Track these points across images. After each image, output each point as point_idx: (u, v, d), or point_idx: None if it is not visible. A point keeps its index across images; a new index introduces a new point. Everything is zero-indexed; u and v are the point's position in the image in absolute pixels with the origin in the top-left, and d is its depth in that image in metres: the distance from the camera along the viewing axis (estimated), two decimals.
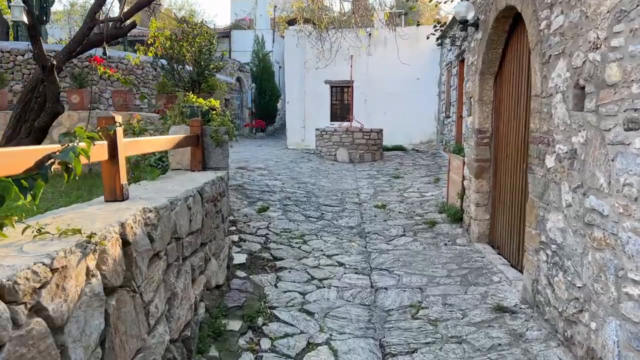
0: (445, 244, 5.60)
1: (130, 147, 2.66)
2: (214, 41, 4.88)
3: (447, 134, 13.28)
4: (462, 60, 11.37)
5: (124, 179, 2.51)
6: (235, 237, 5.40)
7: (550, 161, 3.41)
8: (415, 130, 15.08)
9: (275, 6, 25.54)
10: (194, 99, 4.21)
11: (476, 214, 5.60)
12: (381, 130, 12.61)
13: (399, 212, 6.98)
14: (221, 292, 3.69)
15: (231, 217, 6.13)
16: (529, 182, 3.85)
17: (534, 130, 3.72)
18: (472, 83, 5.88)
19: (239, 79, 22.78)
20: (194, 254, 3.01)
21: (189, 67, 5.34)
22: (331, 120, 15.44)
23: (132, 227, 2.06)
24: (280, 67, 25.68)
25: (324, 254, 5.19)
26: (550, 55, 3.44)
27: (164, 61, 5.03)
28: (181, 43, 4.65)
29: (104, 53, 6.09)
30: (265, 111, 24.23)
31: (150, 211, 2.30)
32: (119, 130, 2.46)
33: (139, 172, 3.62)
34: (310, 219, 6.59)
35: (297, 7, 15.09)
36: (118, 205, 2.37)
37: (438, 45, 11.33)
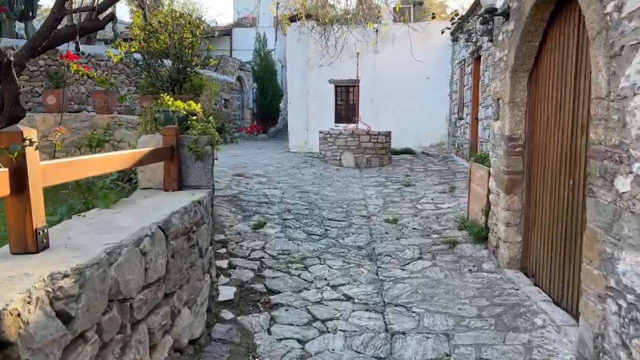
0: (470, 270, 4.82)
1: (53, 173, 1.89)
2: (197, 32, 4.14)
3: (459, 136, 12.47)
4: (478, 58, 10.57)
5: (39, 221, 1.74)
6: (224, 263, 4.64)
7: (623, 184, 2.63)
8: (426, 133, 14.29)
9: (278, 3, 24.77)
10: (169, 102, 3.46)
11: (506, 235, 4.81)
12: (389, 133, 11.83)
13: (413, 229, 6.19)
14: (197, 347, 2.92)
15: (221, 237, 5.37)
16: (587, 207, 3.06)
17: (596, 142, 2.93)
18: (500, 82, 5.09)
19: (239, 79, 22.04)
20: (152, 312, 2.25)
21: (169, 63, 4.59)
22: (336, 122, 14.68)
23: (19, 315, 1.29)
24: (283, 66, 24.91)
25: (328, 284, 4.41)
26: (623, 46, 2.66)
27: (138, 56, 4.30)
28: (157, 34, 3.91)
29: (77, 48, 5.34)
30: (267, 112, 23.49)
31: (67, 276, 1.54)
32: (30, 152, 1.69)
33: (93, 197, 2.86)
34: (312, 236, 5.82)
35: (301, 3, 14.34)
36: (25, 262, 1.61)
37: (454, 40, 10.55)
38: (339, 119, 14.79)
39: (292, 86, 14.84)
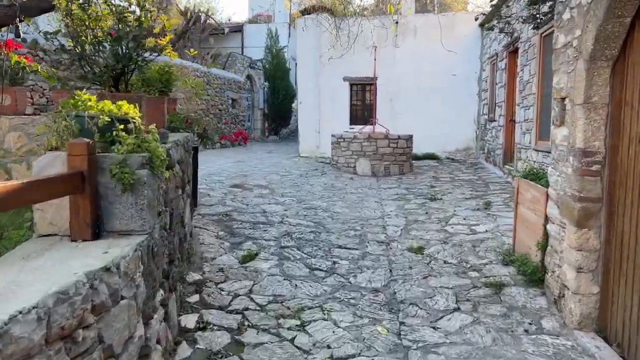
0: (527, 331, 3.57)
1: None
2: (147, 4, 3.00)
3: (490, 141, 11.14)
4: (514, 51, 9.25)
5: None
6: (191, 320, 3.46)
7: None
8: (451, 136, 12.97)
9: None
10: (88, 102, 2.29)
11: (577, 284, 3.55)
12: (411, 137, 10.56)
13: (445, 262, 4.95)
14: None
15: (196, 276, 4.21)
16: None
17: None
18: (567, 76, 3.83)
19: (249, 77, 20.96)
20: None
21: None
22: (351, 124, 13.46)
23: None
24: (296, 64, 23.80)
25: (331, 357, 3.20)
26: None
27: (63, 40, 3.19)
28: (89, 7, 2.80)
29: (17, 35, 4.23)
30: (279, 112, 22.37)
31: None
32: None
33: None
34: (316, 272, 4.62)
35: None
36: None
37: (489, 29, 9.26)
38: (354, 120, 13.56)
39: (302, 84, 13.66)
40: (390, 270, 4.75)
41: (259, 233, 5.64)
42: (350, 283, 4.44)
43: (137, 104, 2.78)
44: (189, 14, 17.12)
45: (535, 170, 4.78)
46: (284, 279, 4.39)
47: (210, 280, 4.21)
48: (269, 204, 7.11)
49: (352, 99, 13.63)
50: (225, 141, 16.46)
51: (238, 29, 26.10)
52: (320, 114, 13.45)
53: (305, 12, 14.21)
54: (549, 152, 6.86)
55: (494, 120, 10.79)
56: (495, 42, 10.85)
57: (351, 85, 13.51)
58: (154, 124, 2.56)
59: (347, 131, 12.93)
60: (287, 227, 5.93)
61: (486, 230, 5.92)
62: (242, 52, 24.99)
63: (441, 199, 7.74)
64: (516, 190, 4.97)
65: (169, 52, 3.66)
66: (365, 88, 13.60)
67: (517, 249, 4.86)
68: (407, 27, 12.93)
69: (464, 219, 6.52)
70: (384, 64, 12.46)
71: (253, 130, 21.95)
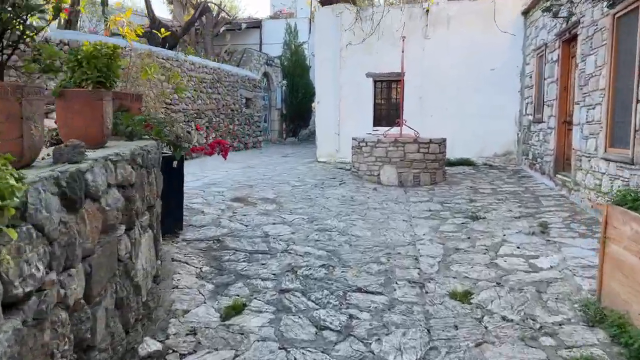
0: None
1: None
2: None
3: (537, 145, 9.71)
4: (571, 39, 7.83)
5: None
6: None
7: None
8: (488, 139, 11.57)
9: None
10: None
11: None
12: (444, 141, 9.23)
13: (503, 318, 3.64)
14: None
15: (154, 346, 3.00)
16: None
17: None
18: None
19: (265, 75, 19.89)
20: None
21: None
22: (374, 125, 12.17)
23: None
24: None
25: None
26: None
27: None
28: None
29: None
30: (298, 112, 21.22)
31: None
32: None
33: None
34: (324, 334, 3.38)
35: None
36: None
37: (545, 11, 7.85)
38: (378, 121, 12.27)
39: (321, 81, 12.43)
40: (428, 331, 3.47)
41: (255, 268, 4.42)
42: (373, 353, 3.18)
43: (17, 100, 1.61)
44: (195, 3, 16.03)
45: (636, 195, 3.43)
46: (280, 348, 3.15)
47: (173, 351, 3.01)
48: (274, 224, 5.90)
49: (376, 97, 12.34)
50: (239, 144, 15.34)
51: (256, 24, 25.05)
52: (340, 114, 12.20)
53: (325, 2, 12.98)
54: (627, 164, 5.48)
55: (542, 122, 9.36)
56: (544, 30, 9.42)
57: (375, 81, 12.22)
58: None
59: (370, 133, 11.66)
60: (291, 259, 4.71)
61: (551, 267, 4.58)
62: (261, 49, 23.94)
63: (484, 217, 6.41)
64: (604, 220, 3.62)
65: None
66: (391, 85, 12.30)
67: (607, 303, 3.53)
68: (438, 16, 11.58)
69: (518, 247, 5.18)
70: (412, 58, 11.14)
71: (270, 132, 20.85)
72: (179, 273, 4.13)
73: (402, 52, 9.40)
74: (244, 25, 23.60)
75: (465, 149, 11.41)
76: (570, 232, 5.65)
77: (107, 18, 12.40)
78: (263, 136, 19.05)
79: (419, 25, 11.60)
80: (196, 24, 17.68)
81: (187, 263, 4.39)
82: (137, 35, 5.46)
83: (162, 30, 5.44)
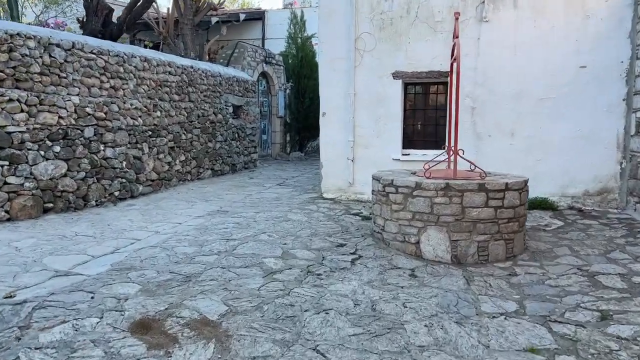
0: None
1: None
2: None
3: None
4: None
5: None
6: None
7: None
8: (575, 171, 8.04)
9: None
10: None
11: None
12: (525, 185, 5.70)
13: None
14: None
15: None
16: None
17: None
18: None
19: (264, 75, 16.56)
20: None
21: None
22: (405, 148, 8.73)
23: None
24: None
25: None
26: None
27: None
28: None
29: None
30: (304, 121, 17.79)
31: None
32: None
33: None
34: None
35: None
36: None
37: None
38: (409, 142, 8.82)
39: (328, 85, 9.02)
40: None
41: None
42: None
43: None
44: None
45: None
46: None
47: None
48: None
49: (406, 107, 8.88)
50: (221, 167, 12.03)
51: (258, 16, 21.81)
52: (355, 132, 8.76)
53: None
54: None
55: None
56: None
57: (406, 85, 8.77)
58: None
59: (398, 159, 8.25)
60: None
61: None
62: (263, 45, 20.68)
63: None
64: None
65: None
66: (429, 89, 8.84)
67: None
68: None
69: None
70: (463, 51, 7.67)
71: (270, 146, 17.52)
72: None
73: (456, 36, 5.93)
74: (242, 17, 20.36)
75: (541, 186, 7.90)
76: None
77: None
78: (260, 152, 15.72)
79: (470, 3, 8.14)
80: (176, 15, 14.44)
81: None
82: None
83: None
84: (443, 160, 6.27)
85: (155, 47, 16.07)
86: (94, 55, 7.59)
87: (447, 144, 6.42)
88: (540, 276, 4.94)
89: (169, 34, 14.70)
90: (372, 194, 6.21)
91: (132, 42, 16.64)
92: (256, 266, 4.88)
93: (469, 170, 6.02)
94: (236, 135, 12.93)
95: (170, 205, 8.10)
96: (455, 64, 5.95)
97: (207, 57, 15.92)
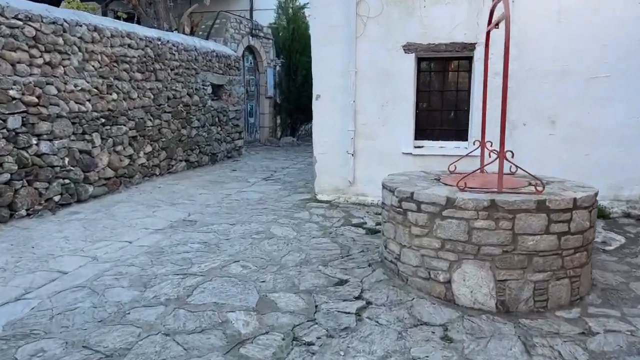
0: None
1: None
2: None
3: None
4: None
5: None
6: None
7: None
8: (631, 166, 6.54)
9: None
10: None
11: None
12: (595, 198, 4.15)
13: None
14: None
15: None
16: None
17: None
18: None
19: (250, 50, 14.85)
20: None
21: None
22: (417, 138, 7.20)
23: None
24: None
25: None
26: None
27: None
28: None
29: None
30: (297, 101, 16.13)
31: None
32: None
33: None
34: None
35: None
36: None
37: None
38: (422, 131, 7.26)
39: (321, 61, 7.40)
40: None
41: None
42: None
43: None
44: None
45: None
46: None
47: None
48: None
49: (419, 87, 7.29)
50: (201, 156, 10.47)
51: None
52: (357, 119, 7.19)
53: None
54: None
55: None
56: None
57: (419, 60, 7.17)
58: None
59: (410, 152, 6.77)
60: None
61: None
62: (251, 17, 18.87)
63: None
64: None
65: None
66: (448, 66, 7.24)
67: None
68: None
69: None
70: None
71: (259, 130, 15.90)
72: None
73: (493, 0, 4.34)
74: None
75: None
76: None
77: None
78: (246, 137, 14.13)
79: None
80: None
81: None
82: None
83: None
84: (469, 154, 4.73)
85: (131, 18, 14.32)
86: (19, 22, 5.93)
87: (480, 138, 4.86)
88: (628, 335, 3.46)
89: (139, 3, 12.92)
90: (383, 208, 4.67)
91: (104, 14, 14.89)
92: (217, 329, 3.36)
93: (509, 174, 4.51)
94: (216, 119, 11.31)
95: (125, 212, 6.55)
96: (493, 32, 4.37)
97: (189, 30, 14.18)
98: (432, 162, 6.73)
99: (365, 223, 6.17)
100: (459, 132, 7.12)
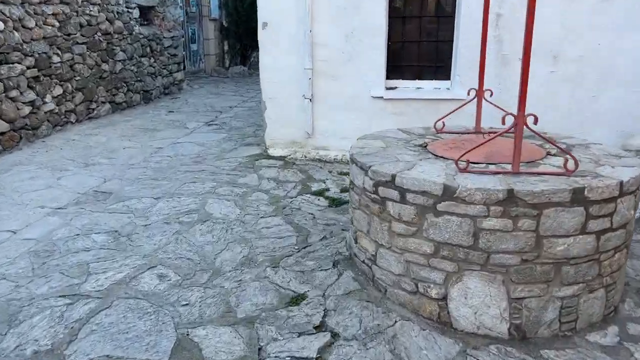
0: None
1: None
2: None
3: None
4: None
5: None
6: None
7: None
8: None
9: None
10: None
11: None
12: (632, 185, 3.08)
13: None
14: None
15: None
16: None
17: None
18: None
19: None
20: None
21: None
22: (390, 78, 5.93)
23: None
24: None
25: None
26: None
27: None
28: None
29: None
30: (246, 24, 14.30)
31: None
32: None
33: None
34: None
35: None
36: None
37: None
38: (396, 69, 5.97)
39: None
40: None
41: None
42: None
43: None
44: None
45: None
46: None
47: None
48: None
49: (392, 14, 5.90)
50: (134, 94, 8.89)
51: None
52: (315, 54, 5.80)
53: None
54: None
55: None
56: None
57: None
58: None
59: (381, 96, 5.58)
60: None
61: None
62: None
63: None
64: None
65: None
66: None
67: None
68: None
69: None
70: None
71: (203, 59, 14.12)
72: None
73: None
74: None
75: (593, 133, 5.36)
76: None
77: None
78: (189, 67, 12.45)
79: None
80: None
81: None
82: None
83: None
84: (462, 106, 3.57)
85: None
86: None
87: (481, 83, 3.67)
88: None
89: None
90: (352, 189, 3.48)
91: None
92: None
93: (533, 148, 3.35)
94: (148, 49, 9.59)
95: (19, 181, 5.14)
96: None
97: None
98: (407, 107, 5.54)
99: (328, 189, 5.01)
100: (439, 69, 5.88)
